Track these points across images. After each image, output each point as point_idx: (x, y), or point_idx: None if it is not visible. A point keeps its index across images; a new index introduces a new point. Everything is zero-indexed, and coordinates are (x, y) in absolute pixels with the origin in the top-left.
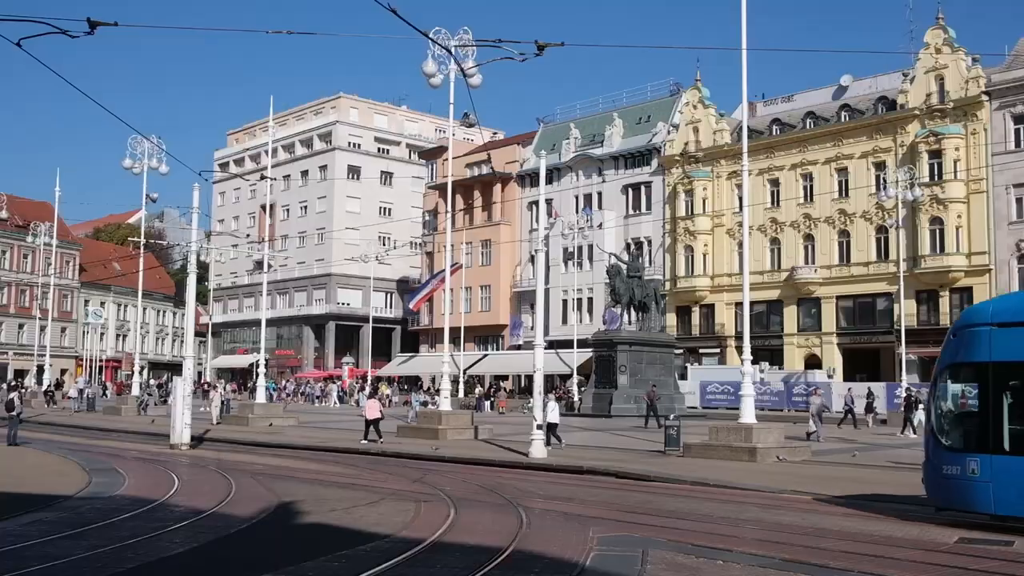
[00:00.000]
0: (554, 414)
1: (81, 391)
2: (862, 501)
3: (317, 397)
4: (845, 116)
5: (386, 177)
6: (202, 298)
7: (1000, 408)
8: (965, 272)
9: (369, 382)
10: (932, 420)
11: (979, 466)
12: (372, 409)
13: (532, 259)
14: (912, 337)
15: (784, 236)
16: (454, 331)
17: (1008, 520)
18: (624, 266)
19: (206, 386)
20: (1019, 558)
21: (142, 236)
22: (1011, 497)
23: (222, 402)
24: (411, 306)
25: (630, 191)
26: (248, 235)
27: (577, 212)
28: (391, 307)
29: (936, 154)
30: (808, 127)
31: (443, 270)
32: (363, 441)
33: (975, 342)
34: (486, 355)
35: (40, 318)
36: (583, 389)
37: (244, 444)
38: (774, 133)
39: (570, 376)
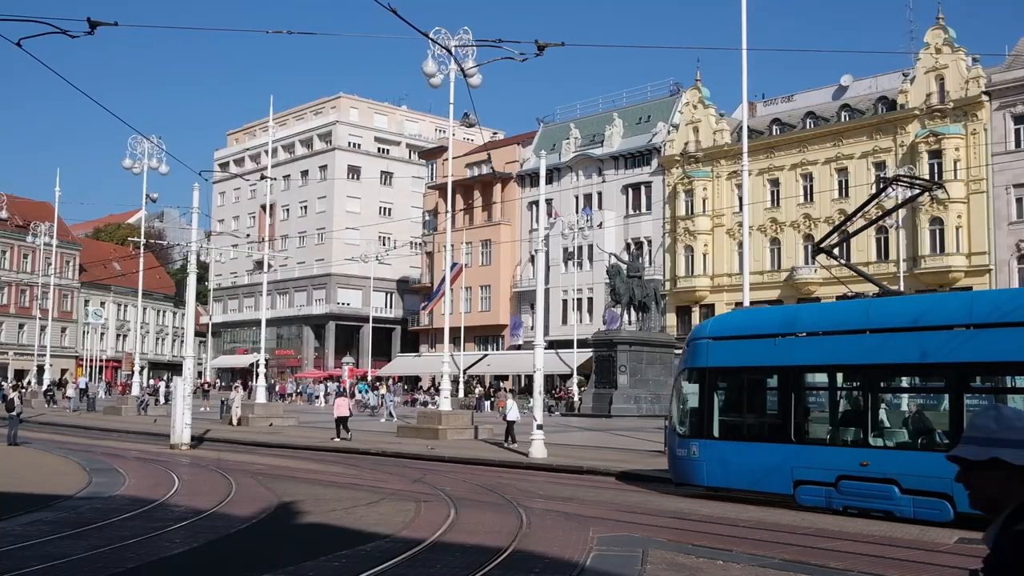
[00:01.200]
0: (513, 412)
1: (84, 390)
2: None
3: (316, 396)
4: (845, 116)
5: (386, 177)
6: (202, 298)
7: (712, 403)
8: (965, 272)
9: (351, 381)
10: (672, 414)
11: (699, 449)
12: (341, 407)
13: (532, 259)
14: None
15: (784, 236)
16: (454, 331)
17: (718, 490)
18: (624, 266)
19: (206, 386)
20: None
21: (142, 236)
22: (717, 472)
23: (221, 402)
24: (427, 308)
25: (630, 191)
26: (248, 235)
27: (577, 212)
28: (391, 307)
29: (936, 154)
30: (808, 127)
31: (453, 265)
32: (335, 439)
33: (698, 352)
34: (486, 355)
35: (40, 318)
36: (583, 389)
37: (244, 444)
38: (774, 133)
39: (570, 376)
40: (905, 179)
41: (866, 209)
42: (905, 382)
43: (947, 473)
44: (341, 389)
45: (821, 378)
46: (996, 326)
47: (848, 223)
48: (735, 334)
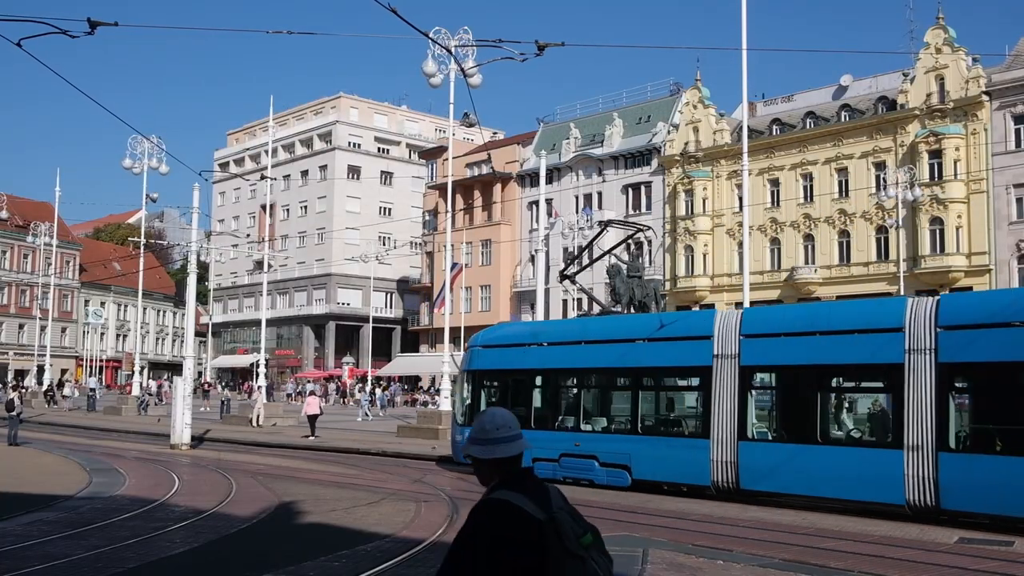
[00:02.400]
0: (313, 406)
1: (93, 390)
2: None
3: (289, 395)
4: (845, 116)
5: (386, 177)
6: (202, 298)
7: (479, 398)
8: (965, 272)
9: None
10: (454, 406)
11: (467, 435)
12: (312, 406)
13: (532, 259)
14: None
15: (784, 236)
16: (454, 331)
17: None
18: (624, 266)
19: (207, 386)
20: (1019, 558)
21: (142, 236)
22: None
23: (222, 402)
24: (437, 309)
25: (630, 191)
26: (248, 235)
27: (577, 212)
28: (391, 307)
29: (936, 154)
30: (808, 127)
31: (454, 265)
32: (310, 437)
33: (470, 357)
34: None
35: (40, 318)
36: None
37: (244, 444)
38: (774, 133)
39: None
40: (617, 223)
41: (597, 242)
42: (605, 381)
43: (628, 450)
44: (313, 387)
45: (552, 378)
46: (659, 340)
47: (584, 255)
48: (496, 343)
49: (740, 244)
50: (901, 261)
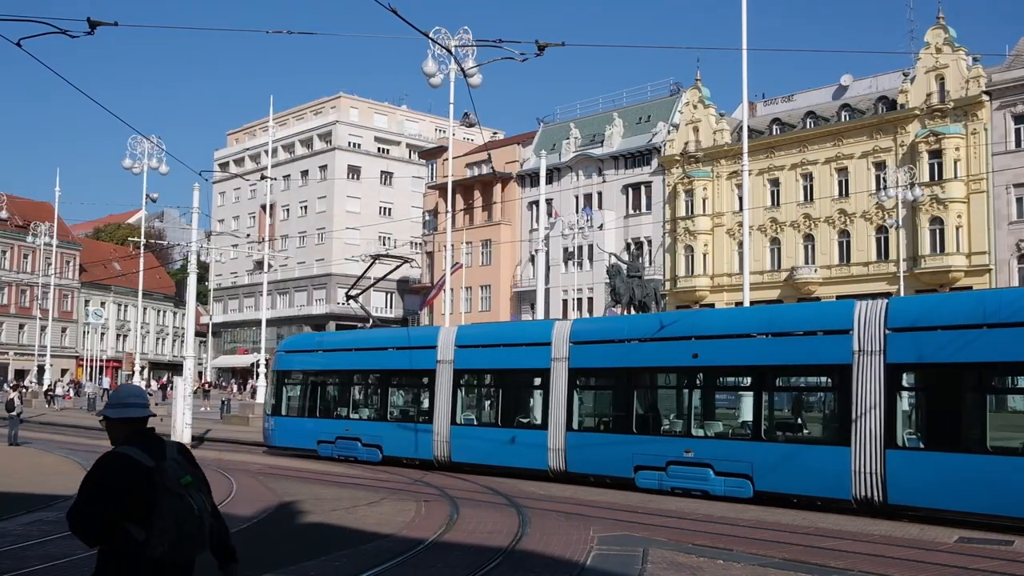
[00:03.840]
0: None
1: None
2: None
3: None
4: (845, 116)
5: (386, 177)
6: (202, 298)
7: (282, 392)
8: (965, 272)
9: None
10: (266, 399)
11: (273, 422)
12: None
13: (532, 259)
14: None
15: (784, 236)
16: None
17: (286, 449)
18: (624, 266)
19: (207, 386)
20: (1019, 557)
21: (142, 236)
22: (282, 437)
23: (222, 402)
24: (421, 306)
25: (630, 191)
26: (248, 235)
27: (577, 212)
28: (391, 307)
29: (936, 154)
30: (808, 127)
31: (454, 265)
32: None
33: (276, 360)
34: None
35: (40, 318)
36: None
37: (245, 444)
38: (774, 133)
39: None
40: (384, 257)
41: (379, 265)
42: (380, 380)
43: (380, 434)
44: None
45: (332, 379)
46: (411, 348)
47: (365, 279)
48: (296, 349)
49: (740, 244)
50: (901, 261)
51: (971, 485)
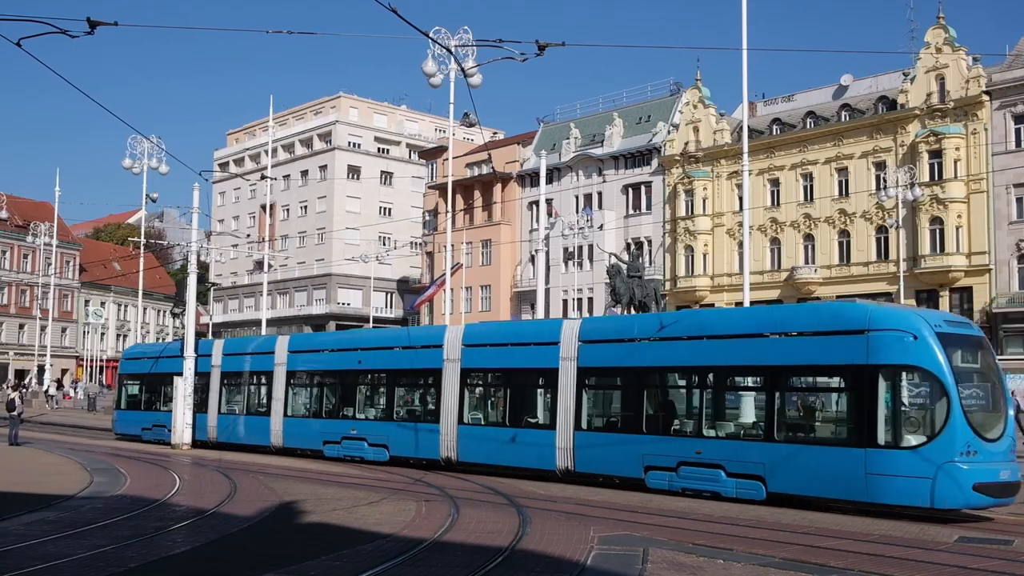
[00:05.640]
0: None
1: (87, 392)
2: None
3: None
4: (845, 116)
5: (386, 177)
6: (202, 298)
7: (123, 391)
8: (965, 272)
9: None
10: (117, 396)
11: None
12: None
13: (532, 259)
14: None
15: (784, 236)
16: None
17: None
18: (624, 266)
19: None
20: (1019, 557)
21: (142, 236)
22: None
23: None
24: (413, 306)
25: (630, 191)
26: (248, 235)
27: (577, 212)
28: (391, 307)
29: (936, 154)
30: (808, 127)
31: (454, 265)
32: None
33: (121, 365)
34: None
35: (40, 318)
36: None
37: (245, 444)
38: (774, 133)
39: None
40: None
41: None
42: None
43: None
44: None
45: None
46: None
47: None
48: (134, 356)
49: (740, 244)
50: (901, 261)
51: None
